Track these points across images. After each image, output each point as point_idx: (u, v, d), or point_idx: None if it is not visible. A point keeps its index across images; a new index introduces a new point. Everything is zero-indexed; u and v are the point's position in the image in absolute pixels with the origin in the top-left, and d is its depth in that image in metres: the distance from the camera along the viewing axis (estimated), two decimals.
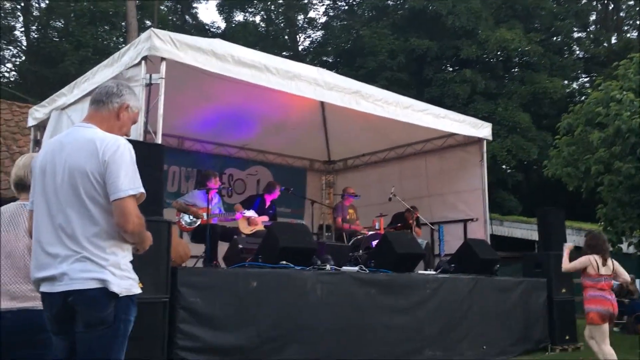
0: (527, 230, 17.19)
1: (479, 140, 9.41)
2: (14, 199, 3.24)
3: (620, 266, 6.15)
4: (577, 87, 26.04)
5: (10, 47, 24.88)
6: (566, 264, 6.13)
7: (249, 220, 7.73)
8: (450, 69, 24.33)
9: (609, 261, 5.97)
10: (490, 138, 9.50)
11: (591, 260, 5.92)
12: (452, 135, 9.51)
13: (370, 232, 8.60)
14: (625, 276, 6.40)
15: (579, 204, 15.42)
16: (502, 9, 24.84)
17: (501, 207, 20.57)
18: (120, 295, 2.47)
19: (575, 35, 26.54)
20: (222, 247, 7.19)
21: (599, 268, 5.88)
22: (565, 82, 24.03)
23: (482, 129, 9.29)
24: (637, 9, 26.18)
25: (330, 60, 27.55)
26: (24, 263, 2.81)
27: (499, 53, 22.73)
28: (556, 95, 21.50)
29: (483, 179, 9.38)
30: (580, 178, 10.08)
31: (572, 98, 23.10)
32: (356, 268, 6.52)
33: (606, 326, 5.80)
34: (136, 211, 2.50)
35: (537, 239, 10.44)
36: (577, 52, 26.34)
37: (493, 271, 7.84)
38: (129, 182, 2.49)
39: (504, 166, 21.92)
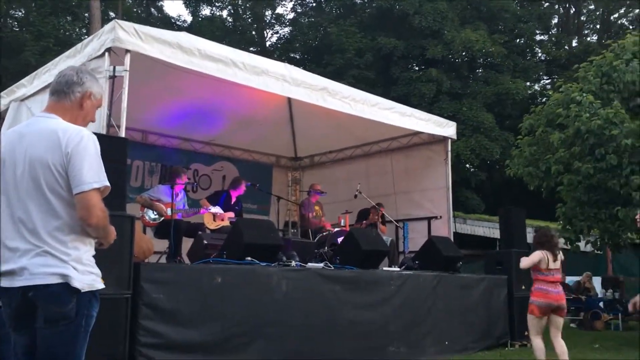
0: (489, 229, 17.50)
1: (443, 139, 9.53)
2: None
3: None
4: (538, 89, 26.65)
5: None
6: (524, 261, 6.27)
7: (214, 216, 7.67)
8: (417, 68, 24.59)
9: (559, 256, 6.12)
10: (454, 137, 9.64)
11: (543, 255, 6.06)
12: (417, 133, 9.60)
13: (336, 229, 8.63)
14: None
15: (539, 203, 15.78)
16: (468, 10, 25.22)
17: (465, 206, 20.90)
18: (82, 291, 2.41)
19: (538, 37, 27.14)
20: (186, 243, 7.11)
21: (549, 263, 6.03)
22: (528, 83, 24.55)
23: (447, 128, 9.41)
24: (597, 13, 26.89)
25: (298, 56, 27.53)
26: None
27: (464, 53, 23.06)
28: (519, 96, 21.95)
29: (447, 177, 9.51)
30: (540, 177, 10.28)
31: (534, 99, 23.62)
32: (321, 264, 6.54)
33: (544, 320, 5.94)
34: (100, 205, 2.44)
35: (499, 237, 10.63)
36: (539, 54, 26.92)
37: (456, 268, 7.95)
38: (93, 174, 2.43)
39: (467, 165, 22.28)
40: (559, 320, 5.98)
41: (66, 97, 2.62)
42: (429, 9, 22.57)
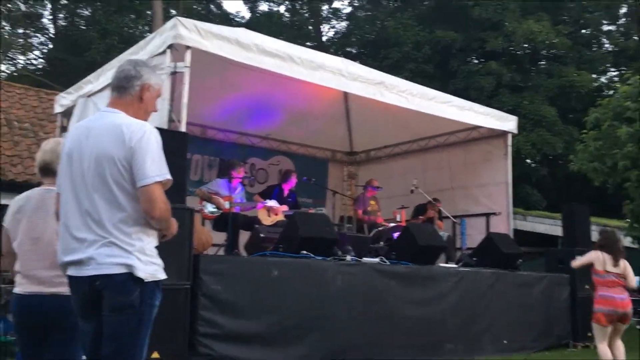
0: (550, 226, 16.95)
1: (503, 134, 9.30)
2: (40, 184, 3.27)
3: (630, 271, 5.94)
4: (605, 81, 25.53)
5: (38, 35, 25.25)
6: (576, 261, 6.04)
7: (269, 211, 7.75)
8: (476, 61, 24.04)
9: (621, 262, 5.82)
10: (515, 131, 9.39)
11: (598, 255, 5.81)
12: (476, 127, 9.41)
13: (392, 224, 8.58)
14: (631, 282, 6.07)
15: (604, 199, 15.20)
16: (530, 1, 24.44)
17: (525, 202, 20.32)
18: (146, 281, 2.49)
19: (605, 28, 26.01)
20: (243, 236, 7.23)
21: (606, 264, 5.76)
22: (594, 75, 23.58)
23: (507, 122, 9.18)
24: None
25: (354, 51, 27.39)
26: (52, 249, 2.84)
27: (525, 45, 22.37)
28: (584, 89, 21.12)
29: (507, 172, 9.28)
30: (606, 173, 9.91)
31: (600, 92, 22.66)
32: (377, 259, 6.51)
33: (609, 328, 5.69)
34: (163, 197, 2.51)
35: (560, 234, 10.30)
36: (606, 45, 25.81)
37: (515, 266, 7.77)
38: (155, 168, 2.50)
39: (528, 160, 21.64)
40: (622, 327, 5.76)
41: (126, 91, 2.69)
42: (489, 0, 22.01)
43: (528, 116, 20.29)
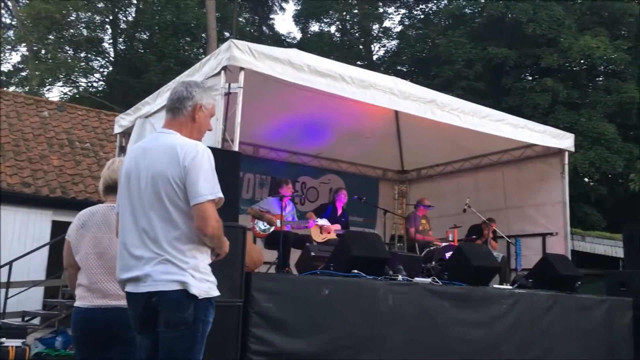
0: (610, 247, 16.34)
1: (560, 152, 9.05)
2: (99, 202, 3.39)
3: None
4: None
5: (99, 59, 26.33)
6: None
7: (321, 229, 7.77)
8: (530, 78, 23.58)
9: None
10: (572, 149, 9.12)
11: None
12: (531, 146, 9.20)
13: (444, 244, 8.44)
14: None
15: None
16: (587, 16, 23.86)
17: (583, 222, 19.67)
18: (200, 297, 2.54)
19: None
20: (294, 254, 7.26)
21: None
22: None
23: (564, 140, 8.93)
24: None
25: (405, 69, 27.35)
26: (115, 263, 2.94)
27: (582, 61, 21.82)
28: None
29: (564, 191, 9.00)
30: None
31: None
32: (429, 279, 6.41)
33: None
34: (215, 215, 2.56)
35: (621, 256, 9.92)
36: None
37: (574, 288, 7.49)
38: (208, 187, 2.56)
39: (586, 179, 20.98)
40: None
41: (179, 112, 2.77)
42: (544, 16, 21.60)
43: (586, 134, 19.71)
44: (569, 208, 9.08)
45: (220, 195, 2.60)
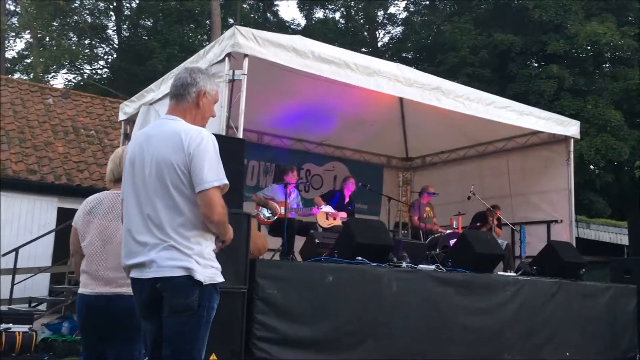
0: (615, 234, 16.31)
1: (565, 139, 9.01)
2: (104, 190, 3.40)
3: None
4: None
5: (103, 46, 26.29)
6: None
7: (327, 214, 7.80)
8: (536, 65, 23.43)
9: None
10: (577, 136, 9.09)
11: None
12: (536, 133, 9.16)
13: (448, 231, 8.44)
14: None
15: None
16: (594, 2, 23.64)
17: (588, 209, 19.62)
18: (205, 283, 2.55)
19: None
20: (299, 241, 7.28)
21: None
22: None
23: (570, 127, 8.89)
24: None
25: (410, 56, 27.20)
26: (120, 251, 2.96)
27: (588, 48, 21.64)
28: None
29: (569, 179, 8.97)
30: None
31: None
32: (433, 266, 6.42)
33: None
34: (221, 202, 2.57)
35: (627, 243, 9.91)
36: None
37: (578, 276, 7.49)
38: (213, 173, 2.56)
39: (592, 166, 20.90)
40: None
41: (183, 99, 2.76)
42: (550, 2, 21.40)
43: (592, 121, 19.60)
44: (574, 195, 9.06)
45: (226, 181, 2.61)
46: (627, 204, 20.30)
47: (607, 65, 23.01)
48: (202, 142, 2.59)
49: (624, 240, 13.22)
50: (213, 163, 2.58)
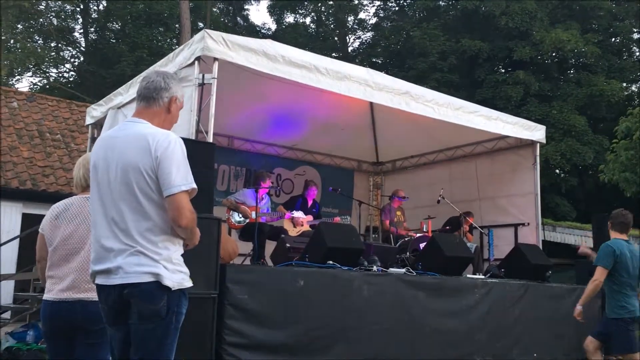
0: (581, 237, 16.64)
1: (532, 143, 9.19)
2: (70, 195, 3.33)
3: None
4: (636, 90, 25.11)
5: (70, 48, 25.84)
6: None
7: (294, 222, 7.79)
8: (503, 71, 23.87)
9: None
10: (543, 141, 9.26)
11: None
12: (503, 137, 9.31)
13: (418, 235, 8.52)
14: None
15: (636, 210, 14.84)
16: (559, 9, 24.21)
17: (554, 213, 20.02)
18: (173, 289, 2.52)
19: (635, 36, 25.60)
20: (270, 246, 7.26)
21: None
22: (624, 84, 23.19)
23: (536, 132, 9.06)
24: None
25: (380, 61, 27.42)
26: (87, 256, 2.90)
27: (554, 54, 22.13)
28: (614, 98, 20.77)
29: (536, 183, 9.14)
30: (638, 183, 9.70)
31: (630, 101, 22.28)
32: (403, 270, 6.47)
33: None
34: (189, 206, 2.54)
35: (591, 245, 10.10)
36: (637, 53, 25.40)
37: (545, 277, 7.63)
38: (181, 177, 2.53)
39: (557, 170, 21.35)
40: None
41: (155, 102, 2.73)
42: (516, 9, 21.85)
43: (557, 126, 20.05)
44: (541, 199, 9.23)
45: (194, 185, 2.58)
46: (591, 207, 20.77)
47: (572, 71, 23.56)
48: (170, 145, 2.56)
49: (589, 242, 13.48)
50: (181, 167, 2.55)
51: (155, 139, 2.56)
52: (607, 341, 5.51)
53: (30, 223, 9.42)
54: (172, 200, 2.50)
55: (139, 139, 2.58)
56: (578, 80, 22.17)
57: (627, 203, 13.69)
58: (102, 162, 2.63)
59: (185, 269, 2.63)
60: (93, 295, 2.72)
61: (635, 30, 25.20)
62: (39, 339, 7.33)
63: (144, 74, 7.01)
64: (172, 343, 2.54)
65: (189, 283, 2.62)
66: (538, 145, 9.19)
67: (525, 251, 7.66)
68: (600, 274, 5.26)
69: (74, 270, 3.04)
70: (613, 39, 24.48)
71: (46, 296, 3.10)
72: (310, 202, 8.33)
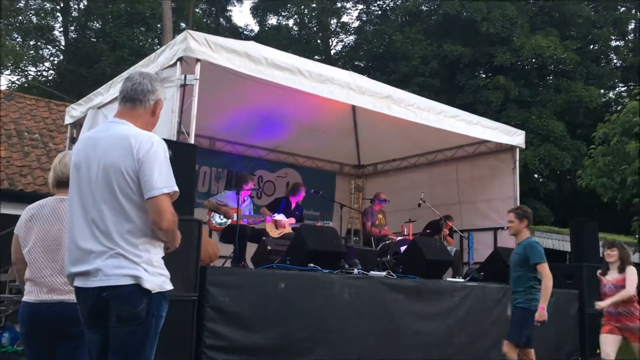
0: (558, 241, 16.84)
1: (511, 148, 9.28)
2: (48, 195, 3.29)
3: None
4: (613, 97, 25.53)
5: (49, 47, 25.50)
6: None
7: (276, 224, 7.77)
8: (483, 76, 24.08)
9: None
10: (523, 146, 9.37)
11: None
12: (484, 142, 9.40)
13: (399, 238, 8.55)
14: None
15: (613, 215, 15.09)
16: (539, 16, 24.50)
17: (533, 217, 20.22)
18: (153, 292, 2.50)
19: (613, 43, 26.02)
20: (251, 248, 7.23)
21: None
22: (602, 91, 23.55)
23: (515, 137, 9.16)
24: None
25: (362, 64, 27.51)
26: (63, 257, 2.86)
27: (533, 60, 22.40)
28: (592, 105, 21.08)
29: (515, 187, 9.24)
30: (615, 189, 9.86)
31: (608, 107, 22.66)
32: (384, 273, 6.49)
33: None
34: (170, 209, 2.52)
35: (569, 250, 10.24)
36: (615, 60, 25.81)
37: None
38: (163, 180, 2.51)
39: (536, 175, 21.59)
40: None
41: (141, 104, 2.72)
42: (497, 15, 22.08)
43: (536, 131, 20.27)
44: (519, 203, 9.32)
45: (176, 188, 2.56)
46: (569, 212, 21.05)
47: (551, 77, 23.85)
48: (152, 147, 2.54)
49: (566, 247, 13.66)
50: (163, 169, 2.53)
51: (137, 140, 2.54)
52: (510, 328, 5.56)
53: (7, 223, 9.23)
54: (153, 203, 2.48)
55: (121, 140, 2.56)
56: (557, 86, 22.45)
57: (603, 208, 13.91)
58: (84, 162, 2.60)
59: (166, 272, 2.61)
60: (73, 297, 2.68)
61: (613, 37, 25.63)
62: (15, 341, 7.22)
63: (125, 74, 6.99)
64: (152, 346, 2.52)
65: (169, 286, 2.60)
66: (518, 150, 9.30)
67: (504, 255, 7.72)
68: (547, 268, 5.34)
69: (52, 272, 3.00)
70: (592, 46, 24.85)
71: (26, 298, 3.06)
72: (294, 205, 8.32)
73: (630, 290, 5.70)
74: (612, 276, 5.86)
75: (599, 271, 6.08)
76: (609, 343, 5.71)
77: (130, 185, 2.51)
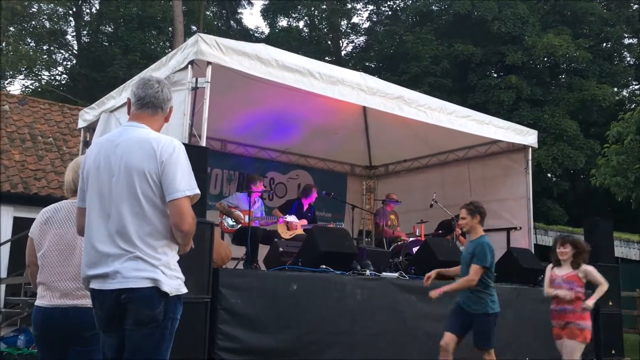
0: None
1: (524, 148, 9.23)
2: (62, 199, 3.32)
3: None
4: (627, 95, 25.31)
5: (62, 51, 25.74)
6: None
7: (288, 225, 7.78)
8: (495, 75, 23.99)
9: None
10: (535, 146, 9.31)
11: None
12: (496, 142, 9.36)
13: (411, 239, 8.53)
14: None
15: (628, 214, 14.96)
16: (550, 15, 24.37)
17: (546, 217, 20.11)
18: (170, 295, 2.52)
19: (626, 41, 25.80)
20: (263, 250, 7.25)
21: None
22: (615, 89, 23.37)
23: (528, 136, 9.11)
24: None
25: (373, 65, 27.48)
26: (78, 261, 2.88)
27: (545, 59, 22.27)
28: (605, 103, 20.92)
29: (528, 187, 9.19)
30: (630, 188, 9.77)
31: (622, 106, 22.43)
32: (396, 274, 6.48)
33: None
34: (191, 212, 2.55)
35: None
36: (628, 58, 25.60)
37: (536, 281, 7.66)
38: (185, 183, 2.55)
39: (549, 174, 21.46)
40: None
41: (162, 111, 2.80)
42: (508, 14, 21.99)
43: (549, 130, 20.15)
44: (532, 203, 9.27)
45: (197, 191, 2.60)
46: (582, 211, 20.88)
47: (563, 76, 23.70)
48: (175, 151, 2.58)
49: None
50: (185, 172, 2.57)
51: (160, 144, 2.58)
52: (476, 337, 5.46)
53: (21, 227, 9.37)
54: (175, 205, 2.51)
55: (142, 143, 2.59)
56: (570, 85, 22.31)
57: (618, 207, 13.79)
58: (103, 165, 2.61)
59: (181, 275, 2.63)
60: (86, 302, 2.70)
61: (626, 35, 25.42)
62: (30, 344, 7.29)
63: (137, 77, 7.03)
64: (167, 349, 2.54)
65: (185, 289, 2.63)
66: (530, 149, 9.24)
67: (517, 255, 7.70)
68: (479, 274, 5.26)
69: (66, 277, 3.02)
70: (604, 44, 24.67)
71: (39, 302, 3.07)
72: (306, 206, 8.33)
73: (605, 284, 5.69)
74: (564, 271, 5.76)
75: (550, 265, 5.98)
76: (564, 351, 5.69)
77: (152, 188, 2.53)
